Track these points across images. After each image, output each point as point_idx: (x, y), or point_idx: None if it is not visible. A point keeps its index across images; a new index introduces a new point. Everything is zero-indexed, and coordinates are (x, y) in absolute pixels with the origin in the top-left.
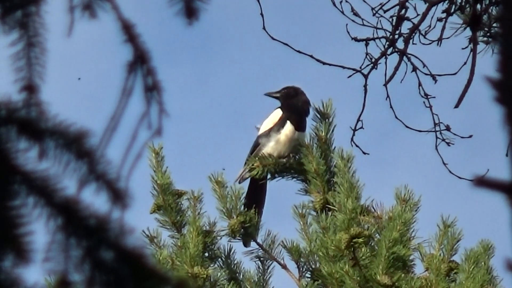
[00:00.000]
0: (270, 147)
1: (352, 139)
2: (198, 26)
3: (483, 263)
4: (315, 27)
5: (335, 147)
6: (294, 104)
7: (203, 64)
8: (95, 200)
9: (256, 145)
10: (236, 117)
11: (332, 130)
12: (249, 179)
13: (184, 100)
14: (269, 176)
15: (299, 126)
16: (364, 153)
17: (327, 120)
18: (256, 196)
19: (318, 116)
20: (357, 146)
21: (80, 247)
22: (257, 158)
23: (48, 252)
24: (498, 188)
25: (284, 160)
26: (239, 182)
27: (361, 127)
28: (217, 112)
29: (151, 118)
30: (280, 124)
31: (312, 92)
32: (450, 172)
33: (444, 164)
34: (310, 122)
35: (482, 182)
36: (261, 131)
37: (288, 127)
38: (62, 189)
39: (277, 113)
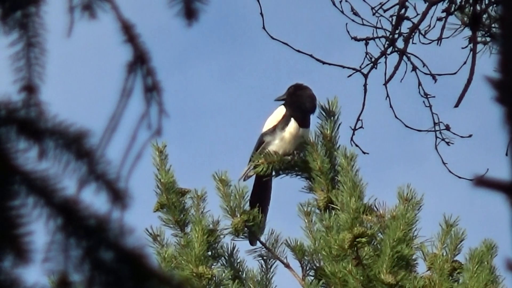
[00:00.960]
0: (275, 145)
1: (351, 139)
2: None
3: (486, 262)
4: (315, 26)
5: (339, 145)
6: (297, 101)
7: (210, 63)
8: (95, 200)
9: (260, 143)
10: (239, 115)
11: (337, 128)
12: (254, 177)
13: (185, 99)
14: (273, 173)
15: (303, 122)
16: (364, 152)
17: (332, 118)
18: (261, 194)
19: (323, 114)
20: (356, 145)
21: (80, 247)
22: (262, 155)
23: (48, 252)
24: (498, 188)
25: (289, 157)
26: (244, 180)
27: (361, 127)
28: (219, 112)
29: (151, 118)
30: (284, 122)
31: (313, 93)
32: (449, 171)
33: (444, 163)
34: (315, 120)
35: (482, 181)
36: (265, 128)
37: (292, 124)
38: (62, 189)
39: (281, 111)
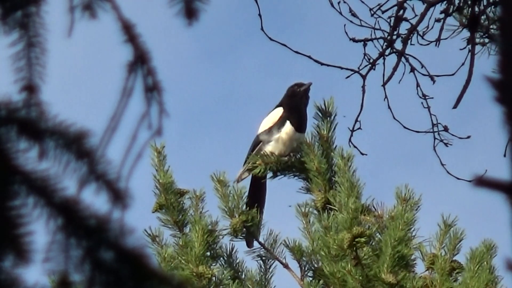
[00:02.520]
0: (270, 146)
1: (350, 140)
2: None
3: (485, 262)
4: (313, 27)
5: (336, 146)
6: (296, 105)
7: (214, 58)
8: (95, 200)
9: (256, 144)
10: (238, 114)
11: (334, 129)
12: (250, 178)
13: (185, 98)
14: (270, 174)
15: (300, 127)
16: (362, 153)
17: (328, 118)
18: (257, 195)
19: (320, 114)
20: (355, 146)
21: (80, 247)
22: (258, 156)
23: (48, 252)
24: (498, 188)
25: (285, 158)
26: (237, 182)
27: (359, 128)
28: (219, 111)
29: (151, 118)
30: (280, 123)
31: (310, 93)
32: (448, 173)
33: (442, 164)
34: (311, 120)
35: (482, 181)
36: (261, 129)
37: (288, 127)
38: (62, 189)
39: (278, 112)
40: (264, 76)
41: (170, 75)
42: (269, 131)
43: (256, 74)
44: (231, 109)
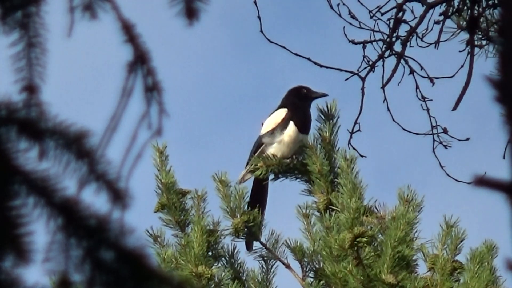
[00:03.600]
0: (273, 148)
1: (349, 142)
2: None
3: (486, 263)
4: (312, 29)
5: (339, 148)
6: (302, 106)
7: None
8: (95, 200)
9: (259, 145)
10: (238, 115)
11: (336, 131)
12: (252, 179)
13: (185, 97)
14: (272, 176)
15: (304, 128)
16: (361, 155)
17: (331, 120)
18: (259, 196)
19: (322, 116)
20: (354, 148)
21: (80, 247)
22: (260, 158)
23: (48, 252)
24: (498, 188)
25: (288, 160)
26: (240, 183)
27: (359, 130)
28: (219, 111)
29: (151, 118)
30: (283, 125)
31: None
32: (447, 175)
33: (442, 167)
34: (314, 122)
35: (482, 181)
36: (264, 131)
37: (292, 128)
38: (62, 189)
39: (281, 113)
40: (265, 78)
41: (172, 76)
42: (272, 132)
43: (257, 76)
44: (232, 109)
